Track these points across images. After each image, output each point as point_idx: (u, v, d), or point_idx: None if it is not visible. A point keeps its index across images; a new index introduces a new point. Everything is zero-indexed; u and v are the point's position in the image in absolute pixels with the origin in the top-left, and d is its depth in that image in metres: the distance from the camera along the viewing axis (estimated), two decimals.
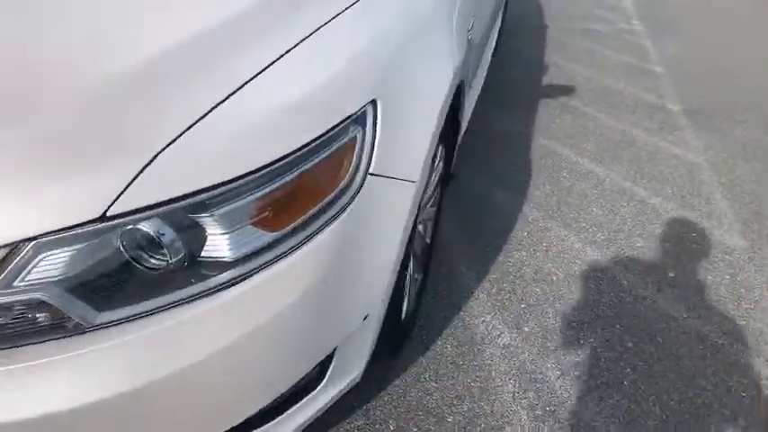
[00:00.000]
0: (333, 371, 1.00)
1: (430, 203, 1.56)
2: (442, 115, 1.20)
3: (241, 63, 0.88)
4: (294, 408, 0.96)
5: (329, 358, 0.98)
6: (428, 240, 1.70)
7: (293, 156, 0.86)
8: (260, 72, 0.87)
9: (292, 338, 0.88)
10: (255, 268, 0.82)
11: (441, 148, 1.44)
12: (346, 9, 1.08)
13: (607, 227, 2.55)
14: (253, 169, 0.82)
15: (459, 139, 2.08)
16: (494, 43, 3.45)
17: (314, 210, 0.88)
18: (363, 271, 0.99)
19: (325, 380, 0.99)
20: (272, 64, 0.89)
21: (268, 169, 0.84)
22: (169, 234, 0.76)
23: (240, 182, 0.81)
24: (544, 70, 4.34)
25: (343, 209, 0.91)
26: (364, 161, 0.96)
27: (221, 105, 0.83)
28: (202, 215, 0.79)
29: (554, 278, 2.24)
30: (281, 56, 0.91)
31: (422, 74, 1.14)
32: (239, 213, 0.82)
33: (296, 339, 0.88)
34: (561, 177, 2.92)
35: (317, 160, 0.89)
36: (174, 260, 0.78)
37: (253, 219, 0.82)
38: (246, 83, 0.86)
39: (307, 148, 0.88)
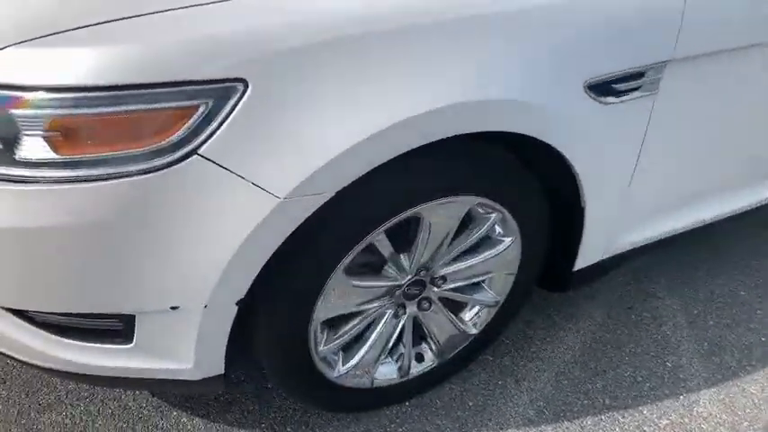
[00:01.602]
0: (142, 340, 0.98)
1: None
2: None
3: None
4: (95, 345, 0.99)
5: (130, 321, 0.94)
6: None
7: (107, 92, 0.80)
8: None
9: (63, 261, 0.90)
10: (32, 177, 0.84)
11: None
12: None
13: None
14: (57, 85, 0.79)
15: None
16: None
17: (110, 153, 0.83)
18: (171, 253, 0.89)
19: (132, 343, 0.98)
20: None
21: (80, 94, 0.80)
22: None
23: (41, 94, 0.80)
24: None
25: (147, 171, 0.83)
26: (200, 138, 0.83)
27: None
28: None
29: None
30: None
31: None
32: (35, 120, 0.82)
33: (67, 264, 0.90)
34: None
35: (130, 107, 0.81)
36: None
37: (46, 132, 0.82)
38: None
39: (126, 92, 0.80)
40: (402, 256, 1.14)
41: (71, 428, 1.28)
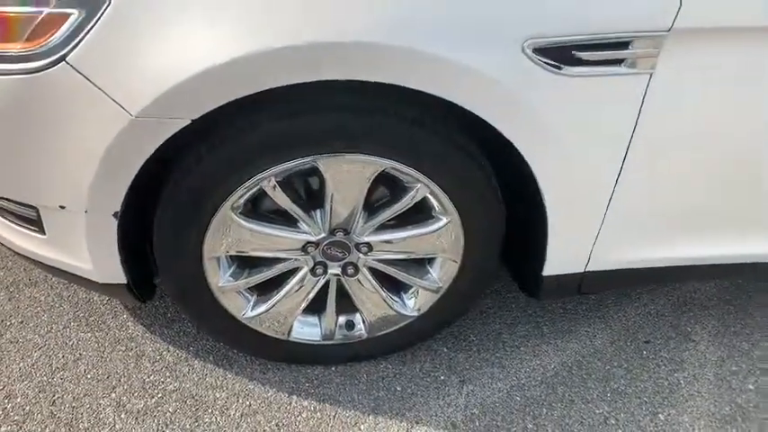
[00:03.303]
0: (52, 234, 1.05)
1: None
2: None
3: None
4: (22, 229, 1.10)
5: (38, 213, 1.03)
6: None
7: None
8: None
9: None
10: None
11: None
12: None
13: None
14: None
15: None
16: None
17: None
18: (48, 155, 0.94)
19: (45, 234, 1.06)
20: None
21: None
22: None
23: None
24: None
25: (21, 72, 0.87)
26: (69, 46, 0.84)
27: None
28: None
29: None
30: None
31: None
32: None
33: None
34: None
35: (6, 9, 0.86)
36: None
37: None
38: None
39: None
40: (315, 212, 1.08)
41: (44, 305, 1.47)
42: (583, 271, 1.21)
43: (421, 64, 0.84)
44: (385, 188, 1.10)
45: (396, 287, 1.25)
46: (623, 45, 0.88)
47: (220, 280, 1.12)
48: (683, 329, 1.52)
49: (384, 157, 0.96)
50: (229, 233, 1.04)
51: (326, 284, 1.20)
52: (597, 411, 1.29)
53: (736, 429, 1.27)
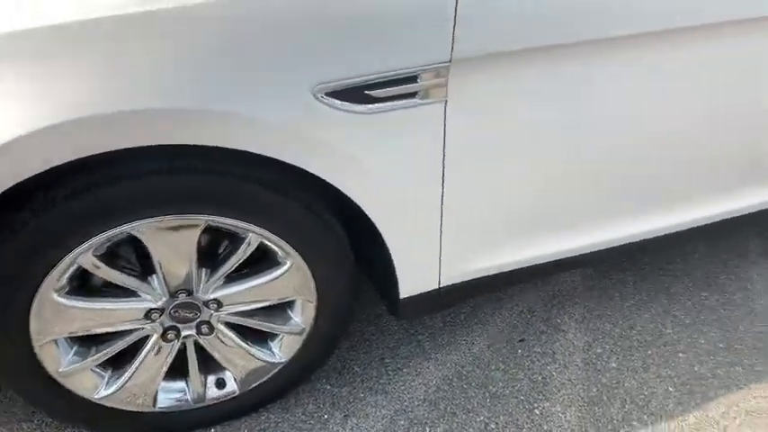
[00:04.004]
0: None
1: None
2: None
3: None
4: None
5: None
6: None
7: None
8: None
9: None
10: None
11: None
12: None
13: None
14: None
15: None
16: None
17: None
18: None
19: None
20: None
21: None
22: None
23: None
24: None
25: None
26: None
27: None
28: None
29: None
30: None
31: None
32: None
33: None
34: None
35: None
36: None
37: None
38: None
39: None
40: (152, 277, 1.05)
41: None
42: (438, 287, 1.26)
43: (212, 122, 0.85)
44: (225, 240, 1.09)
45: (261, 336, 1.23)
46: (412, 79, 0.94)
47: (61, 364, 1.06)
48: (554, 322, 1.61)
49: (201, 213, 0.95)
50: (59, 314, 0.99)
51: (185, 347, 1.17)
52: (478, 419, 1.34)
53: (602, 408, 1.36)
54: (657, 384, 1.42)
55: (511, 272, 1.33)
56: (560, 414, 1.34)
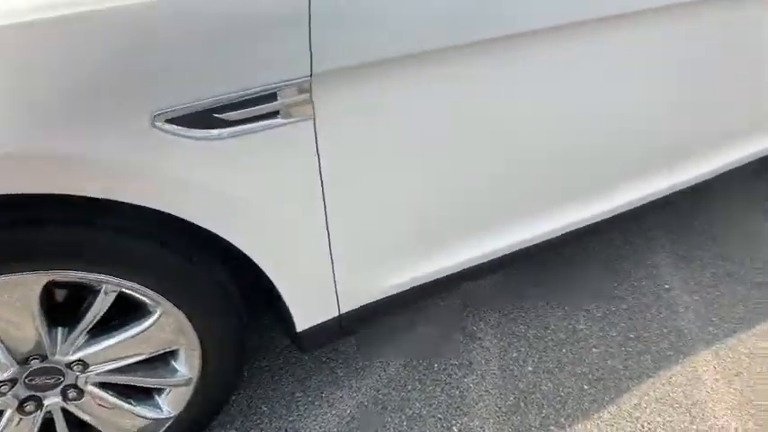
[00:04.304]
0: None
1: None
2: None
3: None
4: None
5: None
6: None
7: None
8: None
9: None
10: None
11: None
12: None
13: None
14: None
15: None
16: None
17: None
18: None
19: None
20: None
21: None
22: None
23: None
24: None
25: None
26: None
27: None
28: None
29: None
30: None
31: None
32: None
33: None
34: None
35: None
36: None
37: None
38: None
39: None
40: None
41: None
42: (338, 314, 1.18)
43: (37, 166, 0.73)
44: (86, 293, 0.96)
45: (146, 391, 1.11)
46: (270, 97, 0.85)
47: None
48: (469, 330, 1.57)
49: (35, 270, 0.82)
50: None
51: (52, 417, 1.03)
52: None
53: (520, 417, 1.33)
54: (573, 384, 1.41)
55: (416, 287, 1.27)
56: (479, 429, 1.30)
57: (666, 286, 1.73)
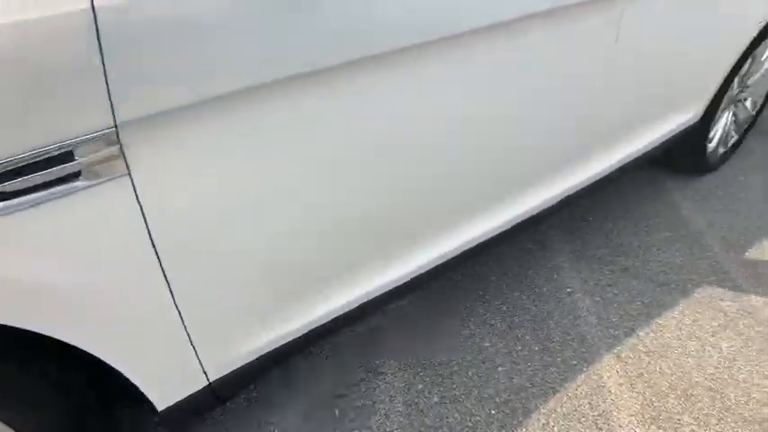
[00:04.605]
0: None
1: None
2: None
3: None
4: None
5: None
6: None
7: None
8: None
9: None
10: None
11: None
12: None
13: None
14: None
15: None
16: None
17: None
18: None
19: None
20: None
21: None
22: None
23: None
24: None
25: None
26: None
27: None
28: None
29: None
30: None
31: None
32: None
33: None
34: None
35: None
36: None
37: None
38: None
39: None
40: None
41: None
42: (208, 383, 1.03)
43: None
44: None
45: None
46: (63, 157, 0.70)
47: None
48: (373, 365, 1.47)
49: None
50: None
51: None
52: None
53: None
54: (480, 410, 1.34)
55: (283, 346, 1.14)
56: None
57: (568, 290, 1.72)
